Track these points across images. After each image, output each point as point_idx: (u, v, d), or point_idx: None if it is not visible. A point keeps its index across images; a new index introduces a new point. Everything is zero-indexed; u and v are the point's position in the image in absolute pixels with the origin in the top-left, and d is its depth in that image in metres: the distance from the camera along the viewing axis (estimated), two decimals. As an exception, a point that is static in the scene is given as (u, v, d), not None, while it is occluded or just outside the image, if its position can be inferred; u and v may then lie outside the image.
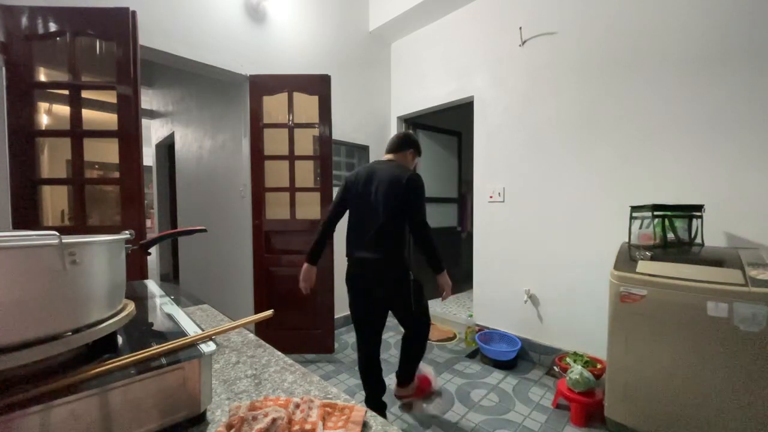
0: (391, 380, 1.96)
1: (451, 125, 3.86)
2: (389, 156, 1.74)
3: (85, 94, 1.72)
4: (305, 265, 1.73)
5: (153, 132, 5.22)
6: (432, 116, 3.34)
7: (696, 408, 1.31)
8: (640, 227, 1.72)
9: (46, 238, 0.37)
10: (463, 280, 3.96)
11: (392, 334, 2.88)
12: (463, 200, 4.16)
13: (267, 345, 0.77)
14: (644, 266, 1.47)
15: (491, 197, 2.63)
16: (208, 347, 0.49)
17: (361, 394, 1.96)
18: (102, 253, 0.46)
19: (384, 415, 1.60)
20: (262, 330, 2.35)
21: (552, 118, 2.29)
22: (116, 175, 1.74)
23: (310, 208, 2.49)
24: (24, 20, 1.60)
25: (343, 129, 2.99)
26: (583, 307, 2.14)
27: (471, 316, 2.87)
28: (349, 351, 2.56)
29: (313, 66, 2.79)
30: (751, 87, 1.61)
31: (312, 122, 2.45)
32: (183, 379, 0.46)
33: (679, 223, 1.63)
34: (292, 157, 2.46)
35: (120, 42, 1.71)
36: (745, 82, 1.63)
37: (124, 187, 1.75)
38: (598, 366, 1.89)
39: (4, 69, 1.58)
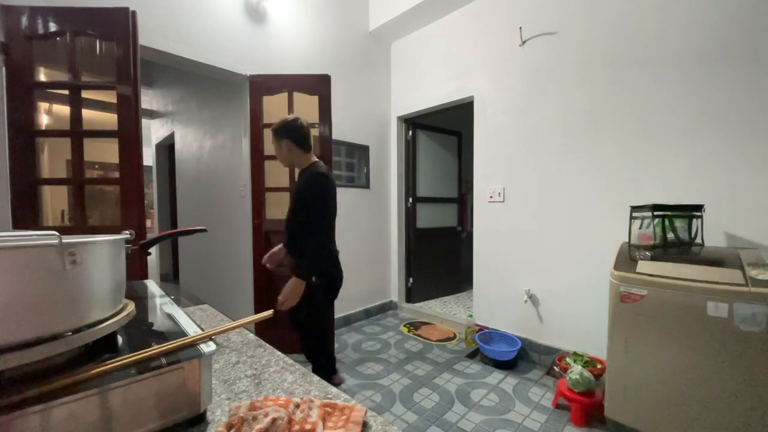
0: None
1: (451, 125, 3.86)
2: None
3: (85, 94, 1.72)
4: (300, 282, 1.57)
5: (153, 132, 5.22)
6: (432, 116, 3.34)
7: (696, 408, 1.31)
8: (640, 227, 1.72)
9: (46, 238, 0.37)
10: (463, 280, 3.96)
11: (392, 334, 2.88)
12: (463, 200, 4.16)
13: (267, 345, 0.77)
14: (644, 266, 1.47)
15: (491, 197, 2.63)
16: (208, 347, 0.49)
17: (362, 395, 1.97)
18: (102, 253, 0.46)
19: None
20: (262, 330, 2.35)
21: (552, 118, 2.29)
22: (116, 175, 1.74)
23: (310, 208, 2.49)
24: (24, 20, 1.60)
25: (343, 129, 2.99)
26: (583, 307, 2.14)
27: (471, 316, 2.87)
28: (349, 351, 2.56)
29: (313, 66, 2.79)
30: (752, 87, 1.61)
31: (312, 122, 2.45)
32: (183, 379, 0.46)
33: (679, 223, 1.63)
34: (292, 157, 2.45)
35: (120, 42, 1.71)
36: (746, 82, 1.63)
37: (124, 187, 1.74)
38: (598, 366, 1.89)
39: (4, 69, 1.58)
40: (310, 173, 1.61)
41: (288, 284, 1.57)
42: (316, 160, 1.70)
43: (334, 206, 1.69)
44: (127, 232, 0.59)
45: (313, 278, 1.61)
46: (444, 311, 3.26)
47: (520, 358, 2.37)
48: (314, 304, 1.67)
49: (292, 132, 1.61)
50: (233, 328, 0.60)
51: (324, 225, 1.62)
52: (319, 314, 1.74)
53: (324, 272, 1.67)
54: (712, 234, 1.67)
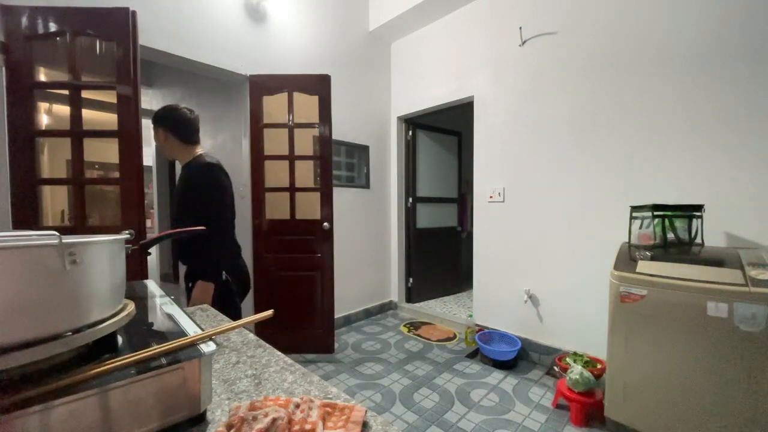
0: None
1: (451, 125, 3.86)
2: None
3: (85, 94, 1.72)
4: (209, 285, 1.41)
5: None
6: (432, 116, 3.34)
7: (696, 408, 1.31)
8: (640, 227, 1.72)
9: (46, 238, 0.37)
10: (463, 280, 3.96)
11: (392, 334, 2.88)
12: (463, 200, 4.16)
13: (267, 345, 0.77)
14: (644, 266, 1.47)
15: (491, 197, 2.63)
16: (208, 347, 0.49)
17: (362, 395, 1.96)
18: (102, 253, 0.46)
19: None
20: (262, 330, 2.35)
21: (552, 118, 2.29)
22: (116, 175, 1.74)
23: (310, 208, 2.49)
24: (24, 20, 1.60)
25: (343, 129, 2.99)
26: (583, 307, 2.14)
27: (471, 316, 2.87)
28: (349, 351, 2.56)
29: (313, 66, 2.79)
30: (752, 87, 1.61)
31: (312, 122, 2.45)
32: (183, 379, 0.46)
33: (679, 223, 1.63)
34: (292, 157, 2.45)
35: (120, 42, 1.71)
36: (746, 82, 1.63)
37: (124, 187, 1.74)
38: (598, 366, 1.89)
39: (4, 69, 1.58)
40: (197, 166, 1.45)
41: (195, 289, 1.40)
42: (202, 152, 1.52)
43: (232, 198, 1.54)
44: (127, 232, 0.59)
45: (226, 277, 1.48)
46: (444, 311, 3.26)
47: (520, 358, 2.37)
48: (231, 305, 1.51)
49: (168, 120, 1.45)
50: (233, 328, 0.60)
51: (228, 219, 1.50)
52: (236, 315, 1.54)
53: (235, 270, 1.56)
54: (712, 234, 1.67)
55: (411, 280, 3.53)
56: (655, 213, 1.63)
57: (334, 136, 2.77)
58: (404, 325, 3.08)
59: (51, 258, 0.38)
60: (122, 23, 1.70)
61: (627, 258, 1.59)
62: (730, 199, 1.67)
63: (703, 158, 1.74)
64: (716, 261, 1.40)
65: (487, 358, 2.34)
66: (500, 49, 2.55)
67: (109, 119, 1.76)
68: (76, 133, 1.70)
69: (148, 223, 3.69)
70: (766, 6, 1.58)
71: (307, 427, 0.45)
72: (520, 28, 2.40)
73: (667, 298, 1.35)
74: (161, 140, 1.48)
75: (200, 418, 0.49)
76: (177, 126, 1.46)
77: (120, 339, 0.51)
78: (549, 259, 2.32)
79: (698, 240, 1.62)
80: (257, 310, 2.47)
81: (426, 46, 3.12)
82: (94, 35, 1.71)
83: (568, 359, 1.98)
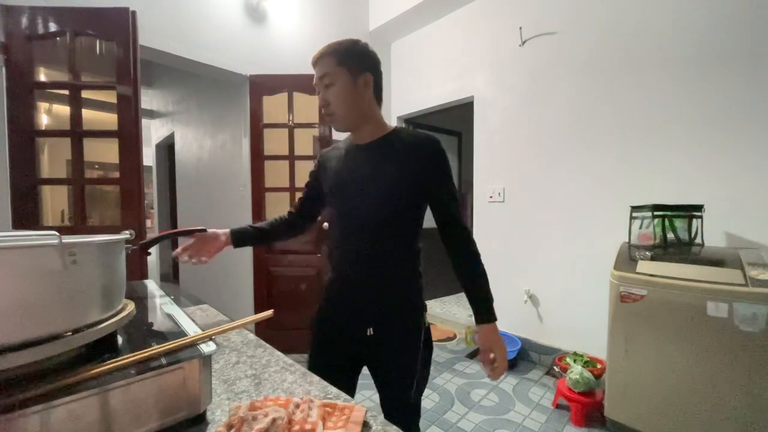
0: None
1: (451, 125, 3.86)
2: None
3: (85, 94, 1.72)
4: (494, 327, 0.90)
5: (153, 132, 5.22)
6: (432, 116, 3.34)
7: (696, 408, 1.31)
8: (640, 227, 1.72)
9: (46, 238, 0.37)
10: (463, 280, 3.96)
11: (392, 334, 2.88)
12: (463, 200, 4.16)
13: (267, 345, 0.77)
14: (644, 266, 1.47)
15: (491, 197, 2.63)
16: (208, 347, 0.49)
17: (361, 395, 1.96)
18: (102, 253, 0.46)
19: None
20: (262, 330, 2.35)
21: (552, 118, 2.29)
22: (116, 175, 1.74)
23: (310, 208, 2.49)
24: (24, 20, 1.60)
25: (343, 129, 2.99)
26: (583, 307, 2.14)
27: (471, 316, 2.87)
28: (349, 351, 2.56)
29: (313, 66, 2.79)
30: (752, 87, 1.61)
31: (312, 122, 2.45)
32: (183, 379, 0.46)
33: (679, 223, 1.63)
34: (292, 157, 2.45)
35: (120, 42, 1.71)
36: (746, 82, 1.63)
37: (124, 187, 1.74)
38: (598, 366, 1.89)
39: (4, 69, 1.58)
40: (428, 136, 0.90)
41: (495, 338, 0.89)
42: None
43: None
44: (127, 232, 0.59)
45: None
46: (444, 311, 3.26)
47: (520, 358, 2.37)
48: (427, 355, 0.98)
49: (376, 64, 0.90)
50: (233, 328, 0.60)
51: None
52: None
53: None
54: (712, 234, 1.67)
55: (411, 280, 3.52)
56: (655, 213, 1.63)
57: (334, 136, 2.76)
58: (404, 325, 3.08)
59: (51, 258, 0.38)
60: (122, 23, 1.70)
61: (627, 258, 1.59)
62: (730, 199, 1.67)
63: (703, 158, 1.74)
64: (716, 261, 1.40)
65: (487, 358, 2.34)
66: (500, 49, 2.55)
67: (109, 119, 1.76)
68: (76, 133, 1.70)
69: (148, 223, 3.69)
70: (766, 8, 1.58)
71: (307, 427, 0.45)
72: (520, 28, 2.40)
73: (667, 298, 1.35)
74: (360, 90, 0.88)
75: (200, 418, 0.49)
76: (379, 76, 0.91)
77: (120, 339, 0.51)
78: (549, 259, 2.32)
79: (698, 240, 1.62)
80: (257, 310, 2.47)
81: (426, 46, 3.12)
82: (94, 35, 1.71)
83: (568, 359, 1.98)
